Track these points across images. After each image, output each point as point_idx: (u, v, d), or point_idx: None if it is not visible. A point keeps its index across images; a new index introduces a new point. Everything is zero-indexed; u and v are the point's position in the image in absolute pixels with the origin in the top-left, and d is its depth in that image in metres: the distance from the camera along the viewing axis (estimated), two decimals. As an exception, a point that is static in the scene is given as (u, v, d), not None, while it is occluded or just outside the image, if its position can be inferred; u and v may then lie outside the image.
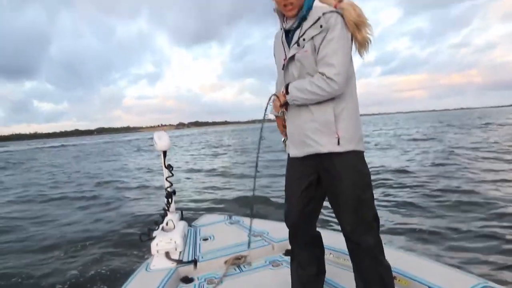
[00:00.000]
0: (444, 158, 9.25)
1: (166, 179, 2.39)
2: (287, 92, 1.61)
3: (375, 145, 15.05)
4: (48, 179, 10.71)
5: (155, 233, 2.30)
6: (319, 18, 1.53)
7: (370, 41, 1.60)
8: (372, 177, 1.68)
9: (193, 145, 27.68)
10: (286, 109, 1.72)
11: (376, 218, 1.59)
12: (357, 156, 1.57)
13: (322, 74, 1.50)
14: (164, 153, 2.35)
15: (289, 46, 1.66)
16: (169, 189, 2.40)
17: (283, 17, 1.70)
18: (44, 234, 4.46)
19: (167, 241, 2.22)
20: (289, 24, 1.66)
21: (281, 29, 1.72)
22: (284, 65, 1.67)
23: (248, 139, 29.67)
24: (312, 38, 1.54)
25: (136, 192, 6.17)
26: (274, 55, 1.85)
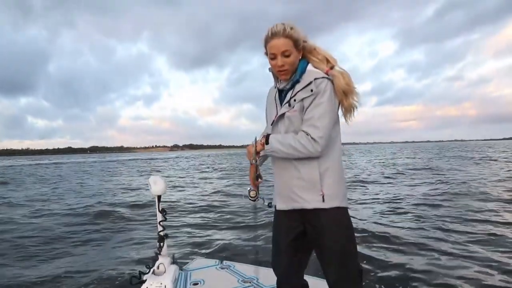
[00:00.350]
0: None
1: (159, 223, 2.40)
2: (266, 142, 1.68)
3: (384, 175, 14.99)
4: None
5: (145, 277, 2.31)
6: (310, 83, 1.64)
7: (356, 107, 1.70)
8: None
9: (189, 167, 27.43)
10: (258, 157, 1.78)
11: (360, 272, 1.69)
12: (341, 212, 1.67)
13: (307, 133, 1.60)
14: (159, 197, 2.37)
15: (281, 105, 1.76)
16: (161, 233, 2.41)
17: (277, 77, 1.82)
18: (19, 272, 4.34)
19: (157, 285, 2.24)
20: (282, 85, 1.78)
21: (275, 87, 1.85)
22: (274, 121, 1.77)
23: (243, 164, 29.75)
24: (302, 100, 1.64)
25: (132, 228, 6.07)
26: (266, 109, 1.95)
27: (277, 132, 1.75)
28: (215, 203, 7.51)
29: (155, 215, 2.39)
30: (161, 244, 2.44)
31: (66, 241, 5.38)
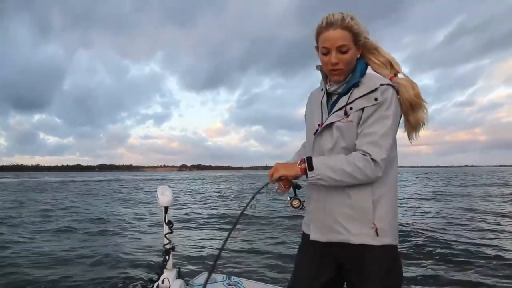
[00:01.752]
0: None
1: (165, 235, 2.34)
2: (309, 168, 1.33)
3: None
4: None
5: (149, 292, 2.23)
6: (375, 89, 1.34)
7: (425, 124, 1.42)
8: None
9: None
10: (288, 186, 1.47)
11: None
12: (392, 253, 1.38)
13: (366, 154, 1.30)
14: (166, 208, 2.31)
15: (328, 111, 1.46)
16: (167, 246, 2.34)
17: (326, 77, 1.51)
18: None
19: (161, 300, 2.15)
20: (333, 87, 1.47)
21: (322, 90, 1.53)
22: (317, 130, 1.45)
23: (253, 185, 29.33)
24: (362, 109, 1.34)
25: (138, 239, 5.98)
26: (306, 115, 1.64)
27: (321, 145, 1.44)
28: (224, 217, 7.31)
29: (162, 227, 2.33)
30: (167, 257, 2.36)
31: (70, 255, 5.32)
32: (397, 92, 1.37)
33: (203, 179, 51.17)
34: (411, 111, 1.38)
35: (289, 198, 1.54)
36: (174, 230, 2.35)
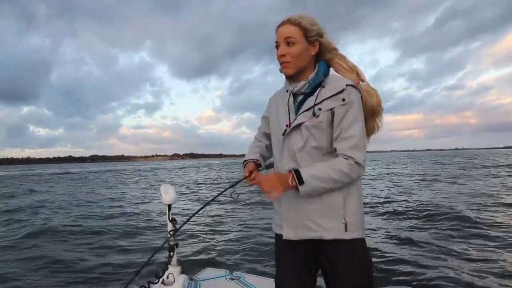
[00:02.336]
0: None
1: (169, 232, 2.37)
2: (299, 181, 1.34)
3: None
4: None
5: (154, 287, 2.27)
6: (342, 90, 1.37)
7: (378, 130, 1.51)
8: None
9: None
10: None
11: None
12: (361, 244, 1.44)
13: (349, 157, 1.34)
14: (169, 206, 2.34)
15: (295, 111, 1.49)
16: (171, 242, 2.38)
17: (291, 78, 1.52)
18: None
19: (167, 295, 2.20)
20: (298, 87, 1.48)
21: (287, 91, 1.54)
22: (285, 131, 1.48)
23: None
24: (331, 109, 1.38)
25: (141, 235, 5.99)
26: (269, 115, 1.67)
27: (290, 145, 1.47)
28: (225, 212, 7.30)
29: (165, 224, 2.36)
30: (171, 253, 2.40)
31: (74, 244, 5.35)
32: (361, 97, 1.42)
33: (199, 167, 51.15)
34: (371, 117, 1.46)
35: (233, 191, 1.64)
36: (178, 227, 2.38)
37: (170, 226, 2.37)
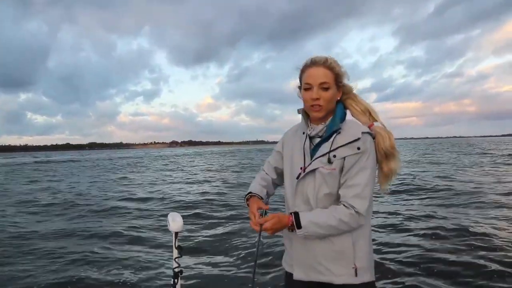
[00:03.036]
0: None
1: (174, 259, 2.31)
2: (297, 225, 1.39)
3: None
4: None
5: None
6: (358, 139, 1.38)
7: (396, 173, 1.46)
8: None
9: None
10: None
11: None
12: (371, 287, 1.45)
13: (351, 207, 1.36)
14: (176, 234, 2.28)
15: (311, 155, 1.48)
16: (176, 270, 2.33)
17: (308, 119, 1.54)
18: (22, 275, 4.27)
19: (171, 324, 2.14)
20: (315, 131, 1.50)
21: (304, 133, 1.54)
22: (300, 174, 1.48)
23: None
24: (344, 158, 1.38)
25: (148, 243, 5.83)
26: (283, 154, 1.65)
27: (304, 189, 1.47)
28: (232, 237, 6.34)
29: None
30: (175, 280, 2.35)
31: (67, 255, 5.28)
32: (373, 138, 1.43)
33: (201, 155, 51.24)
34: (385, 160, 1.44)
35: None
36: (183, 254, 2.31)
37: (176, 253, 2.31)
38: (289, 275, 1.59)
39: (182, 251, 2.32)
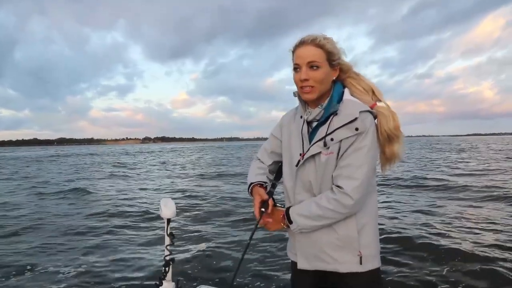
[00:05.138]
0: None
1: (166, 247, 2.24)
2: (289, 220, 1.39)
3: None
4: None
5: (148, 304, 2.16)
6: (355, 119, 1.30)
7: (399, 158, 1.39)
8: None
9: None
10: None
11: None
12: (376, 275, 1.43)
13: (338, 189, 1.30)
14: (168, 220, 2.21)
15: (309, 140, 1.42)
16: (167, 257, 2.25)
17: (305, 103, 1.45)
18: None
19: (161, 311, 2.09)
20: (313, 115, 1.42)
21: (301, 117, 1.47)
22: (299, 161, 1.42)
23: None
24: (341, 140, 1.32)
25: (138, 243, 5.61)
26: (281, 139, 1.58)
27: (304, 176, 1.41)
28: (223, 227, 6.57)
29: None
30: (167, 268, 2.28)
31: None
32: (375, 118, 1.36)
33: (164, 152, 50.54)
34: (387, 142, 1.37)
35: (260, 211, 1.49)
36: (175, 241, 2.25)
37: (167, 241, 2.24)
38: (295, 264, 1.54)
39: (174, 238, 2.25)
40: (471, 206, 7.48)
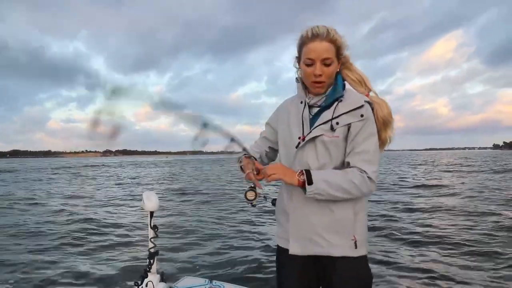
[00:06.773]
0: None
1: (150, 239, 2.33)
2: (309, 181, 1.31)
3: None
4: None
5: (133, 295, 2.23)
6: (361, 106, 1.36)
7: (390, 141, 1.48)
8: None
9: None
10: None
11: None
12: (365, 261, 1.44)
13: (362, 170, 1.32)
14: (151, 213, 2.30)
15: (310, 124, 1.44)
16: (152, 250, 2.34)
17: (305, 89, 1.49)
18: None
19: (146, 303, 2.15)
20: (314, 99, 1.46)
21: (302, 102, 1.49)
22: (299, 143, 1.43)
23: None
24: (348, 125, 1.36)
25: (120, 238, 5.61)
26: (278, 125, 1.59)
27: (303, 158, 1.42)
28: (207, 220, 6.89)
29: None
30: (151, 261, 2.36)
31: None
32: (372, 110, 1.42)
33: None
34: (383, 128, 1.43)
35: (245, 190, 1.42)
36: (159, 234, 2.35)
37: (151, 233, 2.32)
38: (282, 251, 1.53)
39: (157, 231, 2.33)
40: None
